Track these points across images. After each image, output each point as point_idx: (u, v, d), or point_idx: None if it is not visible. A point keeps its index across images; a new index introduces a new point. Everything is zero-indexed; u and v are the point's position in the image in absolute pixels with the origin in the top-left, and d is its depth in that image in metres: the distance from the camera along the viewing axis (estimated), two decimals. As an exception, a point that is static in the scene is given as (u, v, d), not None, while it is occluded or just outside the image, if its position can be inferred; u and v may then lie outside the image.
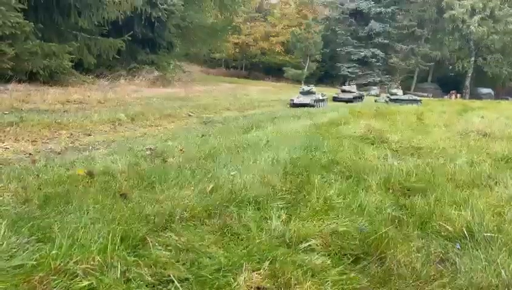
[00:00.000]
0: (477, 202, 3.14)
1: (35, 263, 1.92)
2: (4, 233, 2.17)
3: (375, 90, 36.44)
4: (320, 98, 18.50)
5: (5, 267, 1.91)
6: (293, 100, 17.19)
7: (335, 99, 22.28)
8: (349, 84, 25.77)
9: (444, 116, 12.07)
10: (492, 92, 44.15)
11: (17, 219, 2.40)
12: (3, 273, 1.87)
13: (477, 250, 2.36)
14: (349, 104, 19.81)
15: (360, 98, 23.95)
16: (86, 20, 16.79)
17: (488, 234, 2.53)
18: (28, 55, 13.72)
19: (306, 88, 19.18)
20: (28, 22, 13.15)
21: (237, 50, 49.53)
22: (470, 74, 46.36)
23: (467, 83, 46.48)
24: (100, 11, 17.01)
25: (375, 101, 24.98)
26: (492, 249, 2.35)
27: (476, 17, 44.02)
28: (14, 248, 2.06)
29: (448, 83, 46.13)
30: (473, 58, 45.75)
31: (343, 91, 24.09)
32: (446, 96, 41.76)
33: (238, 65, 54.41)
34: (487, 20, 44.07)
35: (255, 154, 4.63)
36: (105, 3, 17.02)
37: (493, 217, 2.84)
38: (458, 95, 43.20)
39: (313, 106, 16.71)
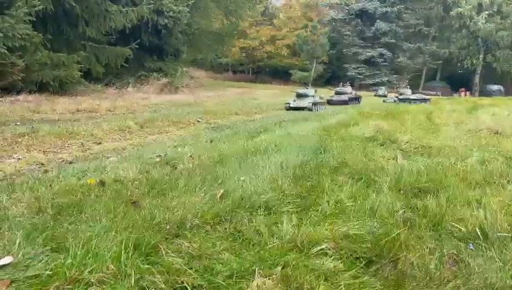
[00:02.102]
0: (490, 201, 3.10)
1: (50, 273, 1.95)
2: (19, 244, 2.21)
3: (382, 90, 34.99)
4: (319, 100, 17.52)
5: (21, 278, 1.94)
6: (289, 104, 16.48)
7: (329, 102, 20.33)
8: (343, 85, 23.49)
9: (454, 115, 11.97)
10: (502, 89, 43.66)
11: (31, 230, 2.44)
12: (20, 283, 1.90)
13: (491, 250, 2.33)
14: (344, 106, 18.63)
15: (356, 99, 22.33)
16: (93, 29, 17.04)
17: (502, 234, 2.50)
18: (37, 66, 13.95)
19: (302, 91, 18.08)
20: (37, 33, 13.36)
21: (243, 54, 49.73)
22: (479, 71, 46.02)
23: (476, 80, 46.13)
24: (107, 20, 17.25)
25: (384, 101, 24.69)
26: (506, 249, 2.33)
27: (483, 14, 43.70)
28: (30, 259, 2.09)
29: (457, 81, 45.80)
30: (481, 55, 45.41)
31: (337, 93, 22.21)
32: (455, 94, 41.49)
33: (245, 69, 54.62)
34: (495, 16, 43.71)
35: (264, 159, 4.64)
36: (112, 12, 17.23)
37: (506, 216, 2.80)
38: (467, 93, 42.86)
39: (310, 109, 15.93)
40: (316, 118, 11.78)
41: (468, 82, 46.06)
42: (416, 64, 48.52)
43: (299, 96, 17.31)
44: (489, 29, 42.91)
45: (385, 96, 30.40)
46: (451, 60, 48.11)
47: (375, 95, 32.78)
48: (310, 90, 18.11)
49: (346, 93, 21.87)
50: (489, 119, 9.81)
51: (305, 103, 16.28)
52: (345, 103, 20.46)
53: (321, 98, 18.33)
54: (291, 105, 16.31)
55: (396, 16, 48.23)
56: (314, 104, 16.64)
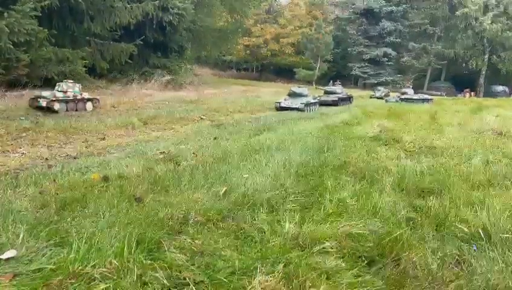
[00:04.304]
0: (493, 202, 3.09)
1: (53, 267, 1.96)
2: (23, 238, 2.22)
3: (380, 91, 30.35)
4: (312, 101, 16.16)
5: (25, 271, 1.95)
6: (279, 103, 15.25)
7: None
8: (333, 84, 21.69)
9: (458, 115, 11.92)
10: (507, 90, 43.39)
11: (35, 224, 2.45)
12: (23, 277, 1.92)
13: (493, 251, 2.33)
14: (334, 108, 17.20)
15: (348, 99, 20.72)
16: (98, 25, 17.04)
17: (505, 235, 2.49)
18: (42, 61, 13.97)
19: (297, 89, 16.72)
20: (42, 28, 13.37)
21: (248, 52, 49.55)
22: (483, 72, 45.72)
23: (481, 80, 45.85)
24: (112, 16, 17.24)
25: (386, 101, 24.26)
26: (509, 250, 2.32)
27: (489, 14, 43.43)
28: (33, 252, 2.11)
29: (462, 82, 45.52)
30: (486, 56, 45.10)
31: (327, 93, 20.38)
32: (460, 95, 41.25)
33: (249, 67, 54.52)
34: (501, 17, 43.43)
35: (267, 157, 4.64)
36: (117, 8, 17.23)
37: (510, 217, 2.79)
38: (472, 94, 42.61)
39: (302, 110, 14.62)
40: (320, 117, 11.78)
41: (473, 83, 45.77)
42: (421, 64, 48.22)
43: (292, 95, 16.03)
44: (495, 30, 42.61)
45: (382, 98, 27.94)
46: (456, 61, 47.79)
47: (371, 97, 28.75)
48: (304, 90, 16.81)
49: (336, 93, 20.17)
50: (493, 120, 9.77)
51: (296, 103, 15.10)
52: (334, 103, 18.86)
53: (314, 98, 17.12)
54: (281, 105, 15.16)
55: (402, 15, 47.93)
56: (307, 104, 15.38)
